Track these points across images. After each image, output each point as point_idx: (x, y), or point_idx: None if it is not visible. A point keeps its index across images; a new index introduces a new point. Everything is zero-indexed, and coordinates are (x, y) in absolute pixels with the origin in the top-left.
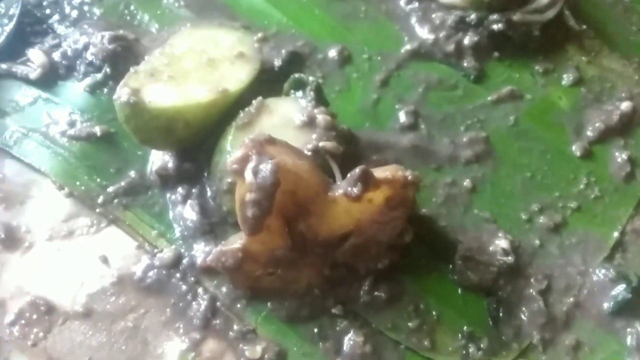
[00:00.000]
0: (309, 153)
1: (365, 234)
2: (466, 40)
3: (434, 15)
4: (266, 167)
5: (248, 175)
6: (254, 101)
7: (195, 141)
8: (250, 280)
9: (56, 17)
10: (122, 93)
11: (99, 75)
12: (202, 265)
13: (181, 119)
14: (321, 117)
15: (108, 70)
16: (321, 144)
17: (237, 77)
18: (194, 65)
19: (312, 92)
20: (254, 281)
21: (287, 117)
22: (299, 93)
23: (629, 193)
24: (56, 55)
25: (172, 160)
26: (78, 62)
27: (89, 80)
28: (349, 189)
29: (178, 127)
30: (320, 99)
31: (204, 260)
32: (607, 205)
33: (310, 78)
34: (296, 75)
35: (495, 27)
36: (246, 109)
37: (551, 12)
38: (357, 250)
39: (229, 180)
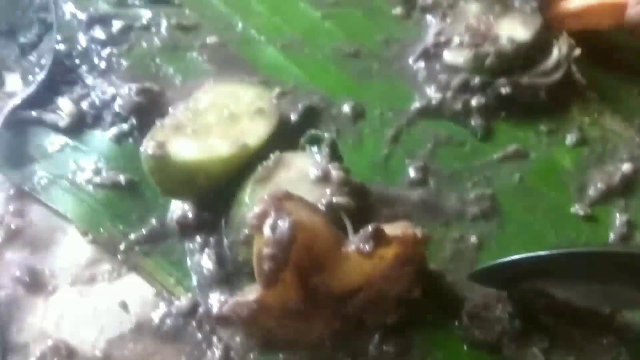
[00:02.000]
0: (323, 208)
1: (376, 289)
2: (473, 102)
3: (440, 76)
4: (284, 224)
5: (266, 231)
6: (272, 155)
7: (214, 192)
8: (263, 331)
9: (85, 67)
10: (148, 146)
11: (125, 126)
12: (217, 315)
13: (202, 171)
14: (335, 173)
15: (134, 121)
16: (335, 199)
17: (256, 132)
18: (216, 120)
19: (327, 148)
20: (267, 332)
21: (303, 172)
22: (315, 148)
23: None
24: (84, 105)
25: (192, 210)
26: (105, 112)
27: (115, 130)
28: (361, 245)
29: (199, 179)
30: (335, 155)
31: (219, 309)
32: None
33: (326, 134)
34: (312, 131)
35: (502, 90)
36: (264, 163)
37: (558, 74)
38: (367, 304)
39: (246, 232)
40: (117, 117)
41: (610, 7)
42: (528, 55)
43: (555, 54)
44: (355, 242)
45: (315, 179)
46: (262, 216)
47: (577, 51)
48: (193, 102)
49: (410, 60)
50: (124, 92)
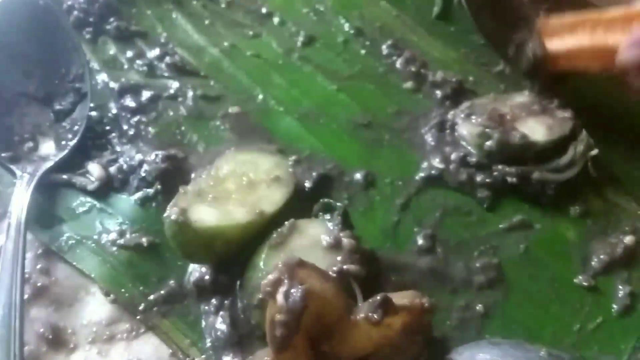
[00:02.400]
0: (334, 275)
1: (383, 356)
2: (478, 178)
3: (445, 148)
4: (296, 293)
5: (279, 298)
6: (286, 222)
7: (231, 256)
8: None
9: (115, 134)
10: (172, 212)
11: (150, 191)
12: None
13: (221, 237)
14: (346, 241)
15: (159, 186)
16: (345, 267)
17: (273, 199)
18: (235, 187)
19: (339, 217)
20: None
21: (316, 239)
22: (327, 216)
23: (631, 327)
24: (113, 169)
25: (209, 273)
26: (132, 177)
27: (140, 194)
28: (370, 314)
29: (217, 245)
30: (347, 223)
31: None
32: (608, 337)
33: (338, 203)
34: (325, 200)
35: (508, 179)
36: (279, 229)
37: (571, 171)
38: None
39: (259, 296)
40: (142, 182)
41: (601, 50)
42: (540, 151)
43: (571, 152)
44: (364, 311)
45: (327, 246)
46: (276, 283)
47: (595, 151)
48: (215, 169)
49: (423, 130)
50: (150, 159)
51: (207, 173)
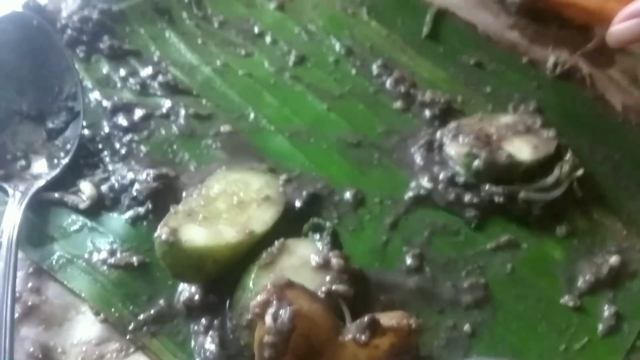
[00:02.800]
0: (323, 295)
1: None
2: (466, 197)
3: (433, 167)
4: (285, 314)
5: (268, 319)
6: (276, 242)
7: (221, 276)
8: None
9: (107, 152)
10: (162, 232)
11: (141, 209)
12: None
13: (211, 257)
14: (335, 261)
15: (150, 205)
16: (334, 287)
17: (263, 219)
18: (226, 207)
19: (328, 237)
20: None
21: (305, 259)
22: (317, 235)
23: (616, 347)
24: (104, 188)
25: (199, 292)
26: (123, 195)
27: (131, 213)
28: (358, 335)
29: (207, 265)
30: (336, 243)
31: None
32: (593, 358)
33: (327, 223)
34: (315, 219)
35: (496, 198)
36: (269, 249)
37: (557, 191)
38: None
39: (249, 317)
40: (134, 201)
41: (596, 11)
42: (527, 171)
43: (557, 172)
44: (352, 332)
45: (316, 266)
46: (264, 305)
47: (580, 171)
48: (205, 189)
49: (412, 149)
50: (141, 178)
51: (198, 192)
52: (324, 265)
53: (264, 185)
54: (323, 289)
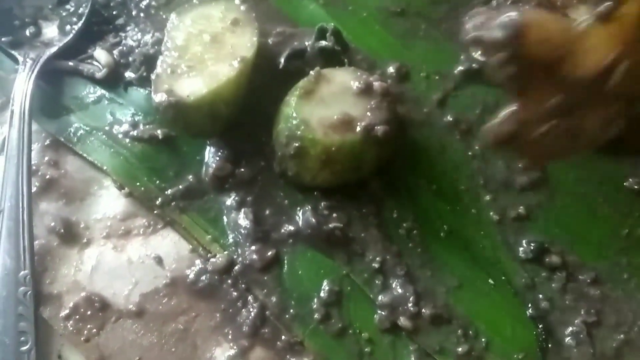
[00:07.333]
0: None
1: (631, 56)
2: None
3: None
4: (510, 20)
5: (493, 33)
6: (311, 72)
7: (237, 120)
8: (534, 146)
9: (122, 18)
10: (160, 97)
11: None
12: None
13: (220, 100)
14: (377, 84)
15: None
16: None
17: (245, 42)
18: (202, 48)
19: (332, 37)
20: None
21: (345, 85)
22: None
23: None
24: (115, 53)
25: (226, 155)
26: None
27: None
28: (596, 9)
29: (220, 109)
30: (340, 42)
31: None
32: None
33: (330, 25)
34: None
35: None
36: (305, 78)
37: None
38: (632, 76)
39: (296, 144)
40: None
41: None
42: None
43: None
44: (587, 14)
45: (357, 91)
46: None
47: None
48: (170, 41)
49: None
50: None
51: (166, 48)
52: (366, 90)
53: (225, 11)
54: (368, 113)
